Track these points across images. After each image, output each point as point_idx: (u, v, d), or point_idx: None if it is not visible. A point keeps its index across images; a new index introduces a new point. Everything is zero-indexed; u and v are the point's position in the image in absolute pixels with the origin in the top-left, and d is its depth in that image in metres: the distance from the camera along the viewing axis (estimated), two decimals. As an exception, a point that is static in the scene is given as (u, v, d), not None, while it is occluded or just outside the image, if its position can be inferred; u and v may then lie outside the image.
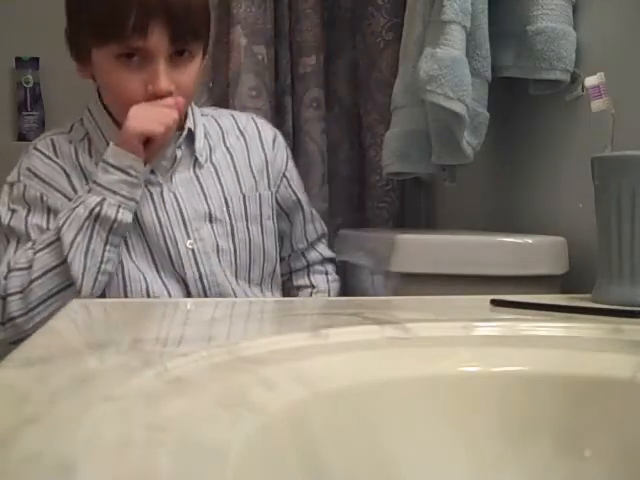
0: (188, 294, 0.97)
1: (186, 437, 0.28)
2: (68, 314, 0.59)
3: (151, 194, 0.97)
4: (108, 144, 0.93)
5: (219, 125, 1.06)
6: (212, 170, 1.02)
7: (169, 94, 0.91)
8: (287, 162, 1.11)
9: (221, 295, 0.98)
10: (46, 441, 0.26)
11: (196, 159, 1.00)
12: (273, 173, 1.08)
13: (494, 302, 0.63)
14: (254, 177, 1.05)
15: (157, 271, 0.95)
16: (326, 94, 1.49)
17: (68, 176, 0.97)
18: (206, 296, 0.97)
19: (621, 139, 0.68)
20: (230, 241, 1.00)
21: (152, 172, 0.97)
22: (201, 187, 1.00)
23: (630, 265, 0.64)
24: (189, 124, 1.00)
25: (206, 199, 0.99)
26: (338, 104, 1.53)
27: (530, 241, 0.93)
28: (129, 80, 0.91)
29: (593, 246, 0.69)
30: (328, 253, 1.19)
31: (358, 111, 1.53)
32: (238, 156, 1.05)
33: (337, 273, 1.20)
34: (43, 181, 0.97)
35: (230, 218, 1.01)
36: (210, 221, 0.99)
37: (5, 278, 0.91)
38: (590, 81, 0.70)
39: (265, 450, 0.31)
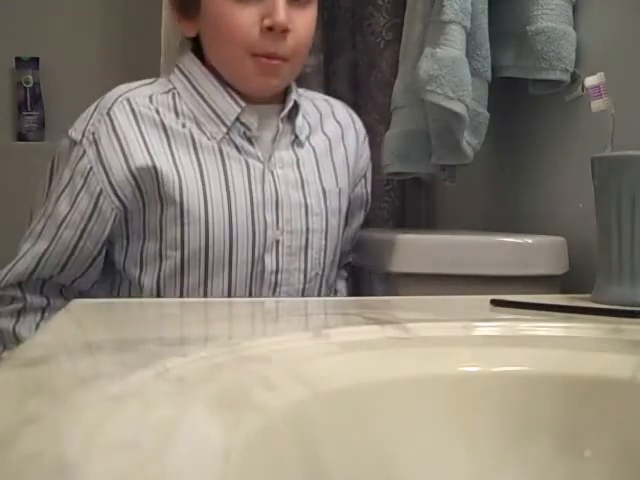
0: (255, 282, 0.88)
1: (186, 437, 0.28)
2: (68, 314, 0.59)
3: (248, 167, 0.88)
4: (207, 103, 0.87)
5: (316, 107, 0.98)
6: (312, 154, 0.93)
7: (286, 30, 0.83)
8: (369, 161, 1.05)
9: (289, 294, 0.90)
10: (46, 441, 0.26)
11: (296, 137, 0.92)
12: (357, 170, 1.01)
13: (494, 302, 0.63)
14: (348, 170, 0.98)
15: (229, 252, 0.86)
16: (326, 94, 1.49)
17: (131, 162, 0.84)
18: (274, 292, 0.89)
19: (621, 139, 0.68)
20: (323, 238, 0.92)
21: (250, 142, 0.88)
22: (300, 173, 0.91)
23: (630, 265, 0.64)
24: (294, 96, 0.92)
25: (303, 188, 0.91)
26: (338, 104, 1.53)
27: (530, 241, 0.93)
28: (244, 15, 0.83)
29: (593, 246, 0.69)
30: (349, 258, 1.11)
31: (358, 111, 1.52)
32: (334, 145, 0.97)
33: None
34: (99, 158, 0.85)
35: (327, 213, 0.92)
36: (306, 213, 0.90)
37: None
38: (590, 81, 0.70)
39: (265, 450, 0.31)
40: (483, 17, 1.03)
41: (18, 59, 1.88)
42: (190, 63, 0.91)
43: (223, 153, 0.87)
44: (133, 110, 0.86)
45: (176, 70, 0.91)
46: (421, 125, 1.08)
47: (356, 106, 1.52)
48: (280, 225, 0.88)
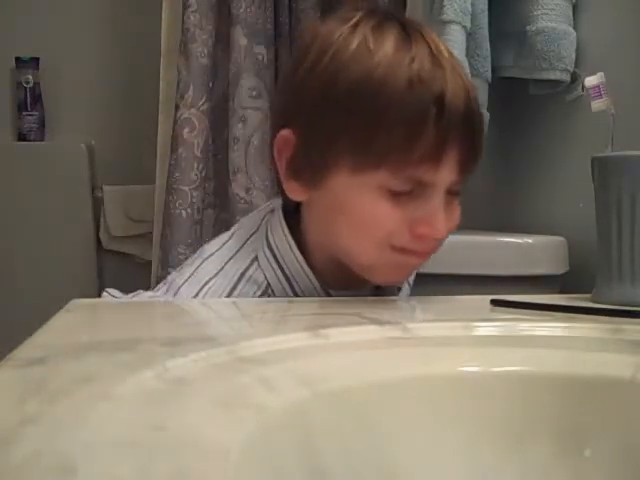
0: None
1: (186, 437, 0.28)
2: (68, 314, 0.59)
3: None
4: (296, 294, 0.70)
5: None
6: None
7: (443, 239, 0.69)
8: None
9: None
10: (46, 441, 0.26)
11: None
12: None
13: (494, 302, 0.63)
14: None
15: None
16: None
17: None
18: None
19: (621, 139, 0.68)
20: None
21: None
22: None
23: (630, 265, 0.64)
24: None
25: None
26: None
27: (530, 241, 0.93)
28: (393, 216, 0.64)
29: (593, 246, 0.69)
30: None
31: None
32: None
33: None
34: None
35: None
36: None
37: None
38: (590, 81, 0.70)
39: (265, 450, 0.31)
40: (483, 17, 1.03)
41: (18, 59, 1.88)
42: (281, 238, 0.72)
43: None
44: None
45: (266, 243, 0.72)
46: (421, 125, 1.08)
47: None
48: None
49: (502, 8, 1.04)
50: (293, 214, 0.73)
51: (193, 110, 1.38)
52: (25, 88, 1.89)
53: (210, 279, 0.70)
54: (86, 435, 0.27)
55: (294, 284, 0.71)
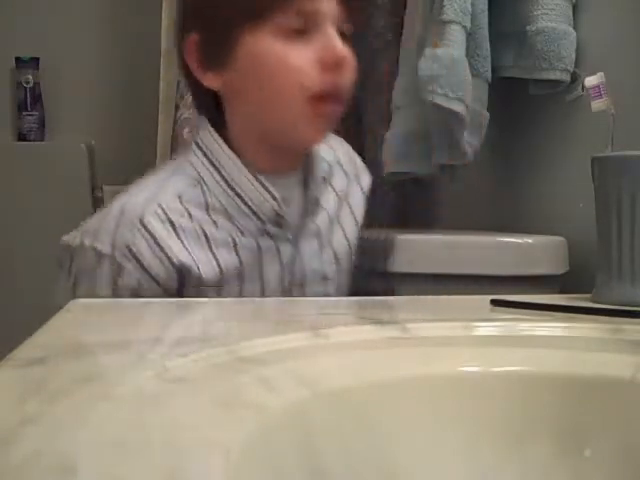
0: None
1: (186, 437, 0.28)
2: (68, 314, 0.59)
3: (279, 254, 0.81)
4: (240, 198, 0.78)
5: (336, 162, 0.89)
6: (326, 217, 0.86)
7: (347, 62, 0.76)
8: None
9: None
10: (46, 441, 0.26)
11: (314, 202, 0.84)
12: (362, 212, 0.93)
13: (494, 302, 0.63)
14: (356, 222, 0.92)
15: None
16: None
17: (179, 267, 0.76)
18: None
19: (621, 139, 0.68)
20: (335, 291, 0.88)
21: (279, 224, 0.80)
22: (319, 243, 0.85)
23: (630, 265, 0.64)
24: (318, 160, 0.84)
25: (321, 256, 0.85)
26: (338, 104, 1.53)
27: (530, 241, 0.93)
28: (300, 55, 0.73)
29: (593, 246, 0.69)
30: None
31: (358, 111, 1.52)
32: (342, 204, 0.90)
33: None
34: (145, 271, 0.75)
35: (339, 275, 0.88)
36: (323, 281, 0.86)
37: None
38: (590, 81, 0.70)
39: (265, 450, 0.31)
40: (483, 17, 1.03)
41: (18, 59, 1.88)
42: (212, 143, 0.79)
43: (261, 249, 0.80)
44: (171, 221, 0.76)
45: (197, 151, 0.80)
46: (421, 125, 1.08)
47: (356, 106, 1.53)
48: (301, 295, 0.84)
49: (502, 8, 1.04)
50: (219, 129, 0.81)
51: (193, 110, 1.38)
52: (25, 88, 1.89)
53: (147, 185, 0.79)
54: (86, 435, 0.27)
55: (224, 174, 0.79)
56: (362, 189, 0.93)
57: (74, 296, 0.74)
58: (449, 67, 0.97)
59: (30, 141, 1.89)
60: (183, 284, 0.78)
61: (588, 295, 0.68)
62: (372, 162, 1.48)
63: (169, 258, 0.75)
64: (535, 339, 0.50)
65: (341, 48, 0.74)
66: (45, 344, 0.45)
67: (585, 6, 0.99)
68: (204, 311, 0.66)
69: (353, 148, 1.50)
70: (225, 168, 0.79)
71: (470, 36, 1.01)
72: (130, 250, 0.74)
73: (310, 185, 0.83)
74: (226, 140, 0.79)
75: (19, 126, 1.90)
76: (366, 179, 0.95)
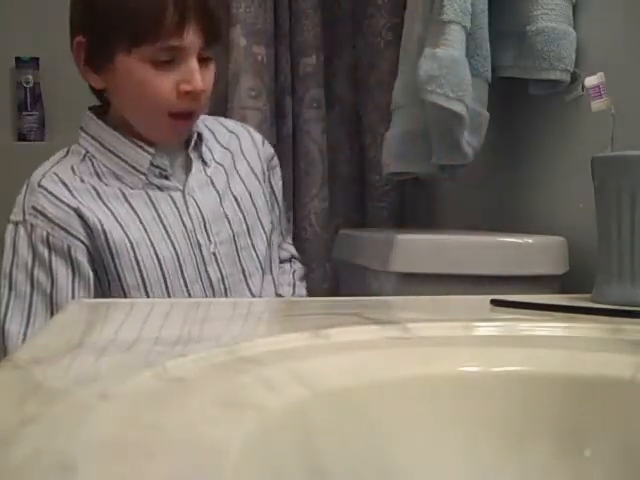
0: (209, 293, 0.98)
1: (186, 437, 0.28)
2: (68, 314, 0.59)
3: (173, 200, 0.97)
4: (120, 158, 0.95)
5: (207, 127, 1.07)
6: (220, 170, 1.03)
7: (203, 94, 0.92)
8: (274, 155, 1.14)
9: (240, 294, 1.00)
10: (46, 441, 0.26)
11: (203, 161, 1.02)
12: (264, 166, 1.11)
13: (494, 302, 0.63)
14: (253, 173, 1.08)
15: (181, 274, 0.95)
16: (326, 94, 1.49)
17: (79, 214, 0.92)
18: (226, 296, 0.99)
19: (621, 139, 0.68)
20: (248, 237, 1.02)
21: (167, 178, 0.98)
22: (215, 188, 1.01)
23: (630, 265, 0.64)
24: (197, 128, 1.02)
25: (221, 202, 1.01)
26: (338, 104, 1.53)
27: (530, 241, 0.93)
28: (164, 82, 0.90)
29: (593, 246, 0.69)
30: (295, 251, 1.21)
31: (358, 111, 1.53)
32: (235, 154, 1.07)
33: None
34: (52, 222, 0.91)
35: (243, 216, 1.03)
36: (228, 222, 1.00)
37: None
38: (590, 81, 0.70)
39: (265, 450, 0.30)
40: (483, 17, 1.03)
41: (18, 59, 1.88)
42: (94, 125, 0.98)
43: (151, 197, 0.96)
44: (63, 182, 0.93)
45: (83, 134, 0.98)
46: (421, 125, 1.08)
47: (356, 106, 1.53)
48: (212, 239, 0.98)
49: (502, 8, 1.04)
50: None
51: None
52: (25, 88, 1.89)
53: (44, 164, 0.97)
54: (86, 435, 0.27)
55: (105, 144, 0.96)
56: (255, 143, 1.10)
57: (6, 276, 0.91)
58: (449, 67, 0.97)
59: (30, 141, 1.89)
60: (94, 243, 0.92)
61: (588, 295, 0.68)
62: (372, 162, 1.48)
63: (67, 205, 0.91)
64: (535, 339, 0.50)
65: (197, 82, 0.90)
66: (45, 344, 0.45)
67: (585, 6, 0.99)
68: (204, 311, 0.66)
69: (353, 148, 1.53)
70: (106, 139, 0.97)
71: (470, 36, 1.01)
72: (35, 208, 0.92)
73: (201, 149, 1.01)
74: (109, 122, 0.98)
75: (19, 126, 1.90)
76: (258, 137, 1.12)
